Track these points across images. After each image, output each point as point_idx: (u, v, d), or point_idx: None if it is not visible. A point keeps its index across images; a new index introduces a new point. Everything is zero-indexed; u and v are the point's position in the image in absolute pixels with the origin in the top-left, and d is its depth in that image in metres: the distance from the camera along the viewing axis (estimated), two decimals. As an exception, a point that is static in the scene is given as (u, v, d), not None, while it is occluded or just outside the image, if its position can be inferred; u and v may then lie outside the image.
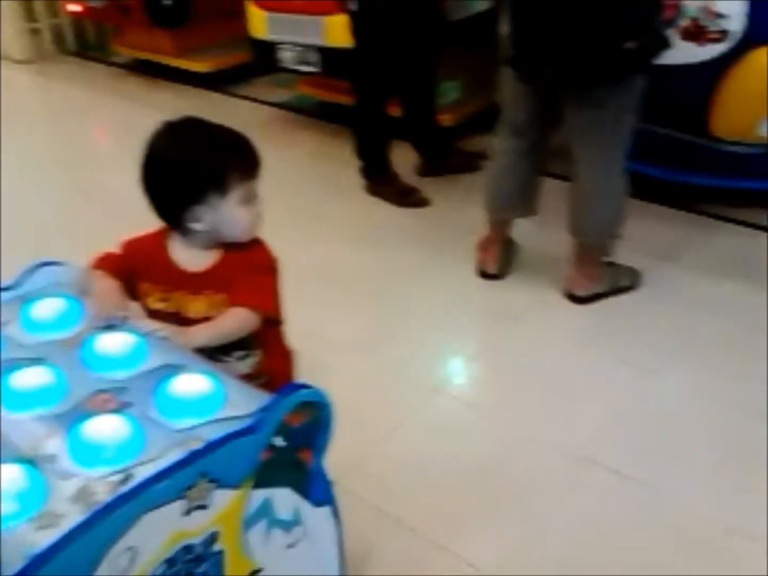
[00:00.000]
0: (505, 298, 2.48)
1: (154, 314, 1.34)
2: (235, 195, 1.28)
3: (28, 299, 1.28)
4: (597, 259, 2.42)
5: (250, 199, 1.31)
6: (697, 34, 2.50)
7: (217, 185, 1.27)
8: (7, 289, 1.32)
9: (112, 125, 4.10)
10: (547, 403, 2.04)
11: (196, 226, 1.30)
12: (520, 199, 2.48)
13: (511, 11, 2.12)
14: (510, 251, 2.62)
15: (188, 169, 1.26)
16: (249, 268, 1.32)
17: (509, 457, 1.86)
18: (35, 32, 5.15)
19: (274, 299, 1.34)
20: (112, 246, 1.40)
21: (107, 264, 1.35)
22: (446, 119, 3.39)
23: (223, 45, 4.45)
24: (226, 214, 1.29)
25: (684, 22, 2.49)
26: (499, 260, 2.56)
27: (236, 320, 1.28)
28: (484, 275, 2.57)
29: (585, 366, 2.17)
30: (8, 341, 1.20)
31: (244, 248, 1.34)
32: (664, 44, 2.08)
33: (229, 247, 1.34)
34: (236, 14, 3.81)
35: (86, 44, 5.37)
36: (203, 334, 1.26)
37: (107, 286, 1.31)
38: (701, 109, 2.61)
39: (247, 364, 1.36)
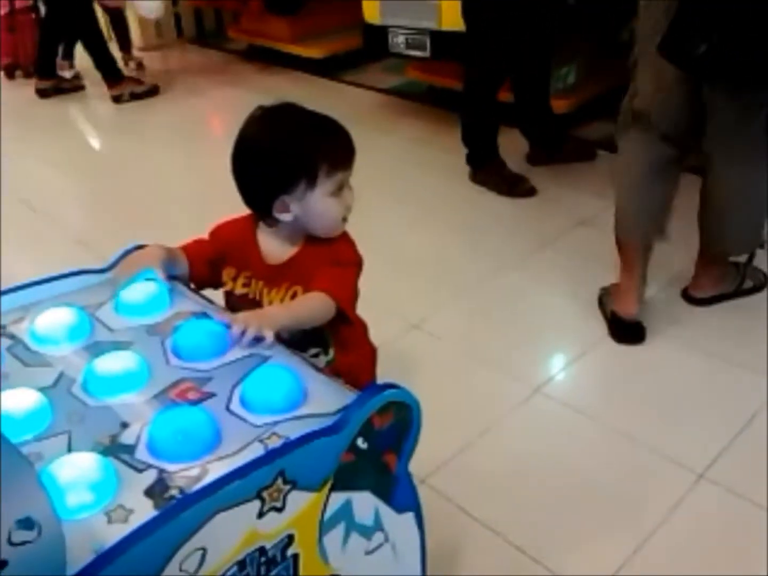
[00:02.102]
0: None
1: (239, 299, 1.32)
2: (324, 186, 1.23)
3: (120, 282, 1.28)
4: (726, 262, 2.22)
5: (341, 191, 1.26)
6: None
7: (307, 175, 1.22)
8: (101, 271, 1.32)
9: (222, 110, 4.19)
10: (659, 412, 1.90)
11: (284, 216, 1.26)
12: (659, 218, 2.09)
13: None
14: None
15: (278, 156, 1.22)
16: (329, 261, 1.27)
17: (614, 467, 1.74)
18: (157, 20, 5.30)
19: (349, 293, 1.27)
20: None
21: (191, 249, 1.34)
22: (560, 105, 3.25)
23: (336, 31, 4.45)
24: (314, 206, 1.24)
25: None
26: (640, 299, 2.15)
27: (311, 303, 1.23)
28: (624, 323, 2.15)
29: (702, 372, 2.01)
30: (99, 324, 1.19)
31: (326, 242, 1.29)
32: None
33: (312, 240, 1.29)
34: (350, 0, 3.79)
35: (204, 31, 5.51)
36: (280, 315, 1.20)
37: (147, 251, 1.29)
38: None
39: (320, 363, 1.30)
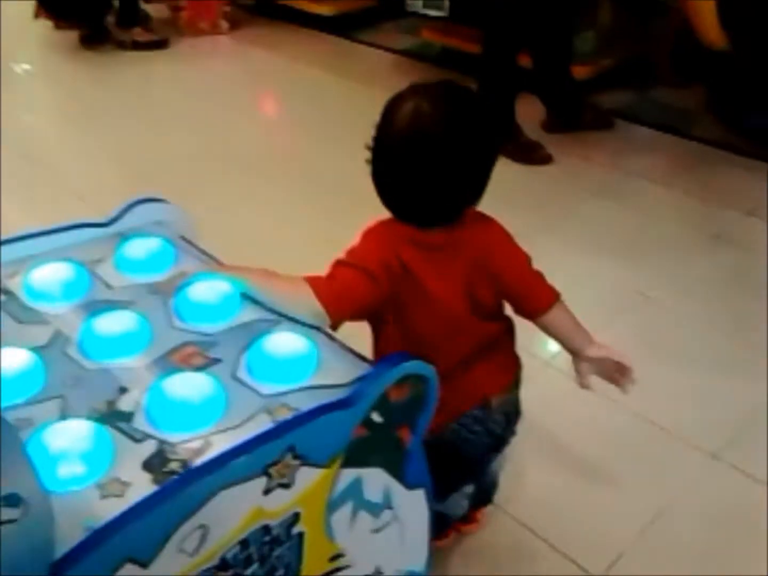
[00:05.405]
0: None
1: None
2: None
3: (123, 237, 1.21)
4: None
5: None
6: None
7: None
8: (103, 225, 1.24)
9: (229, 67, 4.08)
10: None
11: None
12: None
13: None
14: None
15: None
16: None
17: (702, 490, 1.54)
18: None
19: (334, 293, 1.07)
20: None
21: None
22: (581, 72, 3.13)
23: (350, -12, 4.31)
24: None
25: None
26: None
27: (291, 288, 1.08)
28: None
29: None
30: (98, 281, 1.12)
31: None
32: None
33: None
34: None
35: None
36: (252, 279, 1.08)
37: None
38: None
39: None
